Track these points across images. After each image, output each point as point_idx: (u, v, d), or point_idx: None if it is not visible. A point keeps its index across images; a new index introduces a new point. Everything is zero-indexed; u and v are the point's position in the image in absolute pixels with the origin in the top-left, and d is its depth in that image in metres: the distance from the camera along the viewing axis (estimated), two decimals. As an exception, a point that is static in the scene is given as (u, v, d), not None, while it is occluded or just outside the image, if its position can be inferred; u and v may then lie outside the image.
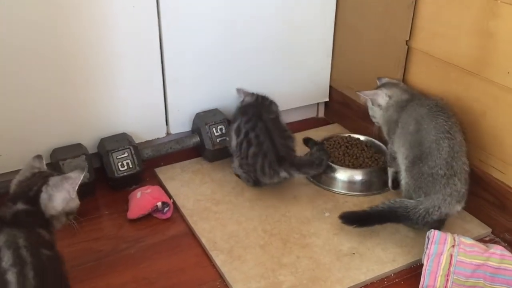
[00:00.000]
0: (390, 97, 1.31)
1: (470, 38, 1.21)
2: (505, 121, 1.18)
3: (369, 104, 1.35)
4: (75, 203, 0.98)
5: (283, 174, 1.28)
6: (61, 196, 0.94)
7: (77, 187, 0.96)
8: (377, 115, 1.35)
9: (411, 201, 1.18)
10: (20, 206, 0.91)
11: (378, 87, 1.36)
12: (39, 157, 1.02)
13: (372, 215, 1.20)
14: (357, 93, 1.36)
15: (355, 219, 1.20)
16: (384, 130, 1.34)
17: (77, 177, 0.96)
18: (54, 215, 0.94)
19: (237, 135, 1.34)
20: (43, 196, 0.93)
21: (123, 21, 1.30)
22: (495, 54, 1.16)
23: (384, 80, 1.38)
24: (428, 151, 1.16)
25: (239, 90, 1.47)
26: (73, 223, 1.00)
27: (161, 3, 1.33)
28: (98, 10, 1.26)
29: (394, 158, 1.29)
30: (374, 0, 1.46)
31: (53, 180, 0.95)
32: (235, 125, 1.36)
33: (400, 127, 1.25)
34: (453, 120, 1.18)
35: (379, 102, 1.32)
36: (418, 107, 1.23)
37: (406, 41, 1.38)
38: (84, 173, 0.99)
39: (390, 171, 1.35)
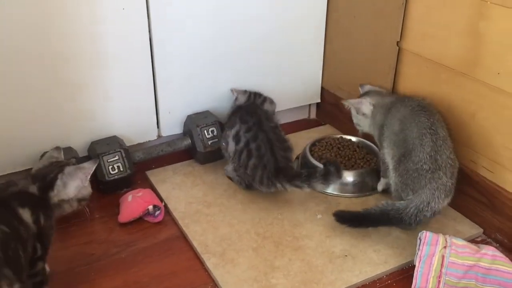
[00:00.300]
0: (374, 105, 1.32)
1: (460, 39, 1.21)
2: (495, 121, 1.18)
3: (353, 112, 1.37)
4: (87, 190, 1.08)
5: (279, 186, 1.27)
6: (74, 184, 1.04)
7: (89, 177, 1.06)
8: (362, 123, 1.37)
9: (402, 202, 1.19)
10: (33, 189, 1.00)
11: (361, 95, 1.38)
12: (58, 148, 1.12)
13: (365, 217, 1.21)
14: (342, 102, 1.37)
15: (349, 219, 1.21)
16: (375, 136, 1.35)
17: (90, 167, 1.06)
18: (65, 200, 1.04)
19: (236, 143, 1.32)
20: (58, 183, 1.03)
21: (113, 24, 1.29)
22: (485, 55, 1.16)
23: (367, 88, 1.40)
24: (412, 147, 1.18)
25: (232, 90, 1.47)
26: (86, 209, 1.12)
27: (151, 5, 1.32)
28: (88, 13, 1.25)
29: (387, 168, 1.27)
30: (364, 1, 1.46)
31: (68, 169, 1.05)
32: (233, 131, 1.33)
33: (385, 129, 1.27)
34: (436, 117, 1.20)
35: (363, 111, 1.34)
36: (401, 107, 1.25)
37: (397, 42, 1.38)
38: (96, 164, 1.08)
39: (383, 182, 1.33)
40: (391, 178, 1.25)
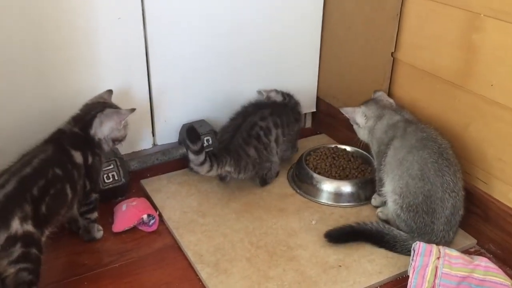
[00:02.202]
0: (367, 116, 1.31)
1: (454, 51, 1.22)
2: (488, 133, 1.19)
3: (350, 121, 1.37)
4: (121, 133, 1.20)
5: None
6: (109, 124, 1.17)
7: (123, 121, 1.19)
8: (357, 132, 1.36)
9: (402, 233, 1.19)
10: (75, 129, 1.15)
11: (365, 102, 1.35)
12: (110, 91, 1.26)
13: (358, 231, 1.21)
14: (340, 109, 1.37)
15: (340, 236, 1.21)
16: (372, 149, 1.33)
17: (126, 113, 1.19)
18: (101, 139, 1.17)
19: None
20: (96, 121, 1.16)
21: (109, 33, 1.30)
22: (479, 66, 1.17)
23: (376, 95, 1.36)
24: (434, 208, 1.16)
25: (259, 92, 1.53)
26: (117, 149, 1.32)
27: (147, 14, 1.33)
28: (84, 23, 1.26)
29: (383, 185, 1.26)
30: (359, 12, 1.47)
31: (107, 110, 1.18)
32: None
33: (392, 155, 1.22)
34: (456, 169, 1.18)
35: (356, 120, 1.34)
36: (417, 150, 1.18)
37: (392, 53, 1.39)
38: (133, 112, 1.21)
39: (379, 200, 1.32)
40: (391, 207, 1.22)
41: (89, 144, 1.16)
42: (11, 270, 0.94)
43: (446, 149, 1.18)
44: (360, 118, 1.33)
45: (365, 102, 1.35)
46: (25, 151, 1.09)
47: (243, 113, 1.40)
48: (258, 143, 1.34)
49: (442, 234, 1.17)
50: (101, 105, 1.20)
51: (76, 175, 1.11)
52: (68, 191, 1.08)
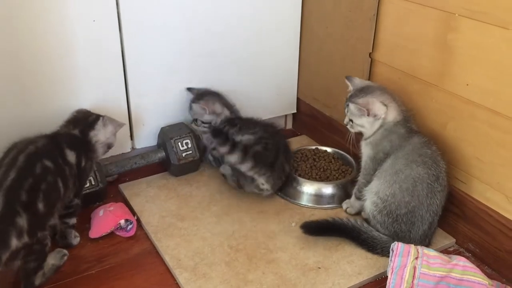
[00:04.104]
0: (386, 106, 1.19)
1: (430, 51, 1.23)
2: (465, 132, 1.19)
3: (357, 113, 1.22)
4: (113, 140, 1.26)
5: None
6: (110, 128, 1.24)
7: (116, 132, 1.26)
8: (367, 126, 1.22)
9: (382, 236, 1.19)
10: (75, 131, 1.19)
11: (356, 90, 1.25)
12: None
13: (334, 225, 1.21)
14: (348, 103, 1.23)
15: (316, 229, 1.21)
16: (368, 153, 1.25)
17: (121, 124, 1.28)
18: (98, 142, 1.21)
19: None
20: (99, 123, 1.22)
21: (84, 36, 1.28)
22: (454, 66, 1.18)
23: (361, 83, 1.26)
24: (413, 222, 1.17)
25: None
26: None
27: (122, 17, 1.31)
28: (58, 26, 1.24)
29: (365, 186, 1.25)
30: (337, 13, 1.47)
31: (106, 116, 1.25)
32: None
33: (391, 164, 1.19)
34: (446, 193, 1.20)
35: (376, 112, 1.19)
36: (417, 165, 1.16)
37: (370, 53, 1.39)
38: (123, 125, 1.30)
39: (358, 204, 1.30)
40: (368, 206, 1.22)
41: (85, 147, 1.19)
42: (19, 263, 1.03)
43: (443, 173, 1.18)
44: (378, 107, 1.19)
45: (371, 92, 1.21)
46: (12, 144, 1.10)
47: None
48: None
49: (419, 241, 1.18)
50: (92, 113, 1.25)
51: (68, 171, 1.12)
52: (60, 185, 1.09)
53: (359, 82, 1.28)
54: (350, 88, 1.28)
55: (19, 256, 1.01)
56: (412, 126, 1.22)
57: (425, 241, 1.20)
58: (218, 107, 1.44)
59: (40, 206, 1.03)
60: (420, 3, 1.22)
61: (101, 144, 1.22)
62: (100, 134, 1.21)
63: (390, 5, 1.31)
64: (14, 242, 0.98)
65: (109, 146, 1.25)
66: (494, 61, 1.09)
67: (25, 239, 1.00)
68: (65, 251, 1.17)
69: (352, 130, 1.26)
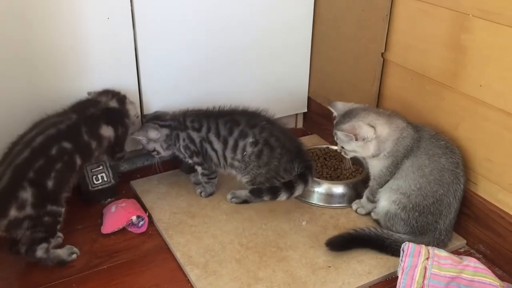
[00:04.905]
0: (374, 127, 1.18)
1: (443, 51, 1.22)
2: (477, 133, 1.19)
3: (344, 139, 1.22)
4: (136, 122, 1.37)
5: None
6: (133, 107, 1.35)
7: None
8: (361, 151, 1.22)
9: (404, 237, 1.19)
10: (113, 102, 1.28)
11: (341, 115, 1.24)
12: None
13: (357, 237, 1.20)
14: (338, 131, 1.22)
15: (340, 244, 1.19)
16: (384, 163, 1.22)
17: (136, 114, 1.38)
18: (131, 111, 1.32)
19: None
20: (128, 99, 1.33)
21: (98, 34, 1.29)
22: (468, 67, 1.17)
23: (345, 106, 1.26)
24: (441, 211, 1.18)
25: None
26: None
27: (136, 15, 1.32)
28: (72, 23, 1.25)
29: (374, 194, 1.26)
30: (350, 13, 1.47)
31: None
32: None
33: (411, 163, 1.19)
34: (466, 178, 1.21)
35: (364, 135, 1.18)
36: (439, 157, 1.18)
37: (382, 53, 1.39)
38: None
39: (370, 206, 1.30)
40: (387, 207, 1.22)
41: (122, 116, 1.29)
42: (27, 233, 1.09)
43: (461, 159, 1.20)
44: (366, 130, 1.17)
45: (355, 115, 1.20)
46: (39, 120, 1.16)
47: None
48: None
49: (445, 233, 1.19)
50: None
51: (95, 145, 1.20)
52: (77, 160, 1.15)
53: (341, 106, 1.26)
54: (335, 114, 1.27)
55: (22, 226, 1.06)
56: (414, 124, 1.24)
57: (450, 233, 1.22)
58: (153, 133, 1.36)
59: (50, 183, 1.09)
60: (434, 3, 1.22)
61: (133, 114, 1.33)
62: (131, 107, 1.32)
63: (403, 6, 1.31)
64: (13, 213, 1.05)
65: (133, 123, 1.33)
66: (508, 62, 1.08)
67: (28, 211, 1.06)
68: (76, 249, 1.18)
69: (347, 157, 1.27)
